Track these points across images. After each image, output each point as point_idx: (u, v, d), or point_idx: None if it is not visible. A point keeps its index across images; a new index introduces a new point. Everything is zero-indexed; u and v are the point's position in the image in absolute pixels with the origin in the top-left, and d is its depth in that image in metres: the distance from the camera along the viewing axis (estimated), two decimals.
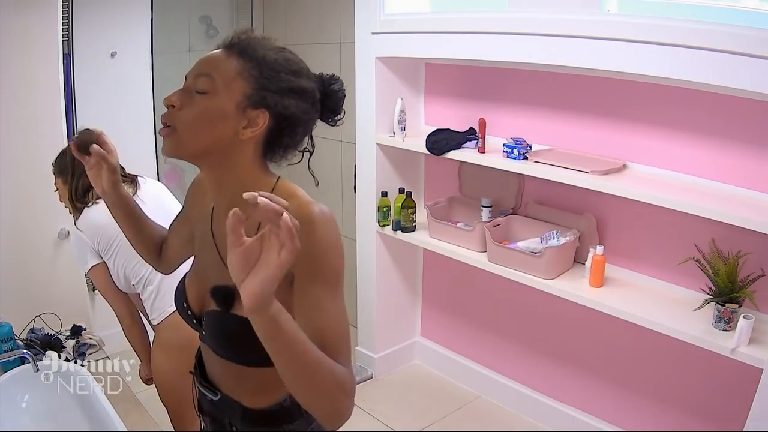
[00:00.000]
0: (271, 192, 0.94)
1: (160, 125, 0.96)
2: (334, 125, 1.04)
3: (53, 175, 1.89)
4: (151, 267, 1.80)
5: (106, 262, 1.84)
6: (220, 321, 0.99)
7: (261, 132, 0.94)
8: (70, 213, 1.89)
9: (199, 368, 1.13)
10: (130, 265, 1.82)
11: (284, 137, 0.96)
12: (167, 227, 1.27)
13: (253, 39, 0.94)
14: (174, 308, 1.20)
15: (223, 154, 0.94)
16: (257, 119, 0.92)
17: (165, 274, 1.32)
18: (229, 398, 1.06)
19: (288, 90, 0.93)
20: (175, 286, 1.14)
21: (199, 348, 1.15)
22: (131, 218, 1.22)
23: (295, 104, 0.94)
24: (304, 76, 0.96)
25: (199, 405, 1.17)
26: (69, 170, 1.82)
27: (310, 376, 0.78)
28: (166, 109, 0.94)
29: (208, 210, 1.07)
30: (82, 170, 1.76)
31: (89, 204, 1.82)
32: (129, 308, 1.92)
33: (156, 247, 1.26)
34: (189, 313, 1.07)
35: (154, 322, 1.86)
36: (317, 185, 1.04)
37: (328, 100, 1.00)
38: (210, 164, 0.97)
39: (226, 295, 0.96)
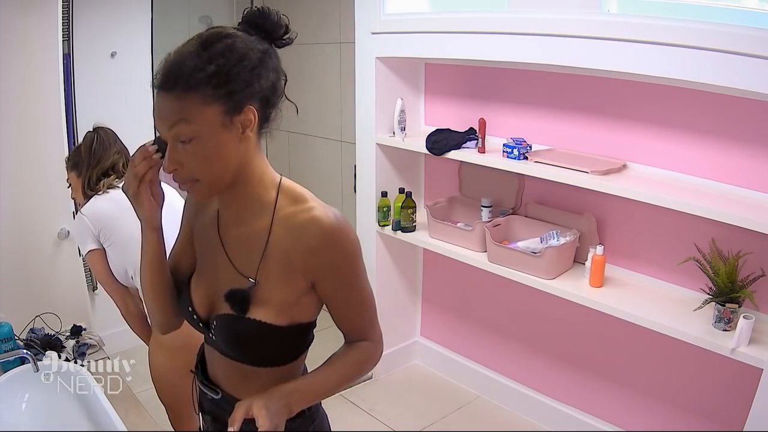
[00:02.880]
0: (276, 196, 0.98)
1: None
2: (290, 43, 0.99)
3: (66, 171, 1.95)
4: None
5: (106, 250, 1.87)
6: (236, 324, 0.99)
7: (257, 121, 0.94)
8: (81, 206, 1.93)
9: (201, 367, 1.14)
10: (130, 258, 1.83)
11: (271, 108, 0.96)
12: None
13: (182, 64, 0.88)
14: None
15: (238, 165, 0.95)
16: (248, 116, 0.92)
17: (167, 332, 1.18)
18: (230, 397, 1.06)
19: (248, 75, 0.90)
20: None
21: (201, 347, 1.15)
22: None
23: (255, 76, 0.91)
24: (237, 49, 0.90)
25: (199, 404, 1.17)
26: (84, 162, 1.89)
27: (348, 382, 1.06)
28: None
29: (212, 214, 1.07)
30: (98, 161, 1.87)
31: (100, 192, 1.87)
32: (123, 295, 1.93)
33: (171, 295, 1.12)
34: (195, 317, 1.06)
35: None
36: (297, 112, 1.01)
37: (267, 30, 0.95)
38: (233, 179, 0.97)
39: (243, 299, 0.97)
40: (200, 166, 0.91)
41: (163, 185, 1.10)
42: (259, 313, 0.97)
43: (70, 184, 1.97)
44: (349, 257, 0.98)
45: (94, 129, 1.94)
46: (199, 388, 1.14)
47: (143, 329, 1.97)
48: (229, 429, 0.88)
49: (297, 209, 0.96)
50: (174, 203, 1.92)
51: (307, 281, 0.97)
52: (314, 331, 1.07)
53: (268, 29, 0.94)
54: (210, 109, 0.89)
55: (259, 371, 1.03)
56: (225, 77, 0.89)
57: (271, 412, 0.90)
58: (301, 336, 1.03)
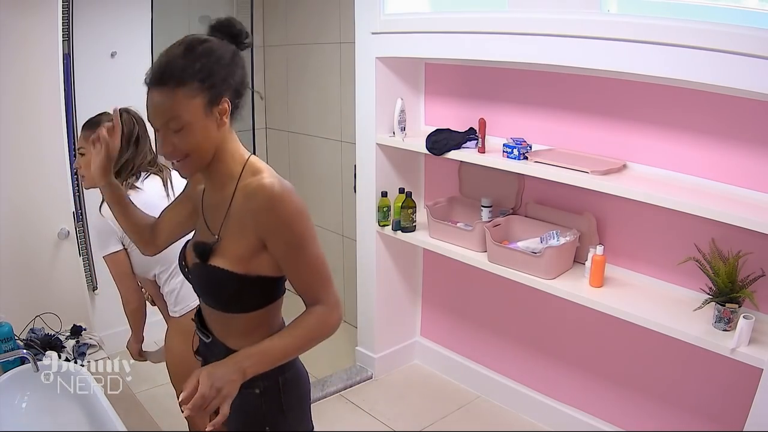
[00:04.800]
0: (242, 170, 1.17)
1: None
2: (249, 46, 1.23)
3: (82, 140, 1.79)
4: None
5: (128, 248, 1.81)
6: (200, 270, 1.20)
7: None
8: (83, 178, 1.83)
9: (199, 317, 1.33)
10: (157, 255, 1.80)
11: (240, 98, 1.16)
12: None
13: (173, 63, 1.08)
14: (197, 301, 1.42)
15: (217, 145, 1.16)
16: (224, 106, 1.12)
17: (151, 255, 1.48)
18: (218, 341, 1.26)
19: (224, 72, 1.11)
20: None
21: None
22: (123, 205, 1.41)
23: (230, 72, 1.12)
24: (214, 50, 1.11)
25: (197, 348, 1.40)
26: (129, 139, 1.79)
27: (306, 345, 1.16)
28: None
29: (201, 189, 1.29)
30: (131, 157, 1.80)
31: (126, 188, 1.77)
32: (139, 295, 1.90)
33: (147, 230, 1.42)
34: (186, 270, 1.28)
35: (177, 314, 1.86)
36: (262, 98, 1.20)
37: (233, 35, 1.17)
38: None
39: (204, 250, 1.19)
40: (190, 147, 1.11)
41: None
42: (217, 261, 1.17)
43: (83, 154, 1.80)
44: (289, 219, 1.12)
45: (128, 112, 1.81)
46: (197, 332, 1.33)
47: (142, 322, 1.94)
48: (181, 396, 1.03)
49: (253, 179, 1.15)
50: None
51: (258, 239, 1.14)
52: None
53: (234, 35, 1.17)
54: (195, 102, 1.08)
55: (235, 318, 1.21)
56: (207, 73, 1.09)
57: (215, 377, 1.03)
58: (264, 287, 1.19)
